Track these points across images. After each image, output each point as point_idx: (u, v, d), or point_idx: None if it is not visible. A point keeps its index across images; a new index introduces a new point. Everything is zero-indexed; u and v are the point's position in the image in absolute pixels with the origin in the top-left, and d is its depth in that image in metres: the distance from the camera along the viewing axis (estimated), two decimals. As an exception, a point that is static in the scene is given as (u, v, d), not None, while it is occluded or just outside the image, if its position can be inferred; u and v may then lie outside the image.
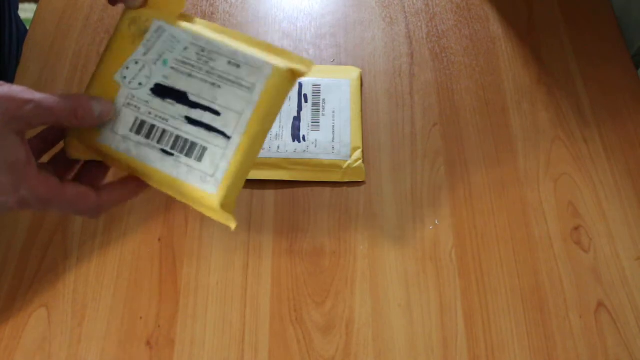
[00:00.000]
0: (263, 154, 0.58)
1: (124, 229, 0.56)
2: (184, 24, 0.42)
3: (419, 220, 0.56)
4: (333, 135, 0.59)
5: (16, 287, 0.53)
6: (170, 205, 0.57)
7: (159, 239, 0.55)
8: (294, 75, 0.41)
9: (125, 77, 0.41)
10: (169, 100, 0.40)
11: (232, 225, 0.40)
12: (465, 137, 0.61)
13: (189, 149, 0.39)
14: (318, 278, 0.53)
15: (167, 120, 0.40)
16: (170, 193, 0.41)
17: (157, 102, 0.40)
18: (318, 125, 0.60)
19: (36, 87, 0.65)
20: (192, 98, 0.40)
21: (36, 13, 0.70)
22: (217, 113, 0.39)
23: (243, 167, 0.40)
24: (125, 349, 0.50)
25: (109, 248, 0.55)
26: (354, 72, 0.64)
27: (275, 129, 0.59)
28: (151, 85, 0.40)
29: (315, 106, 0.61)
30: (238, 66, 0.40)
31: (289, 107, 0.61)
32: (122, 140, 0.40)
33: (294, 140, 0.59)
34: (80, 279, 0.53)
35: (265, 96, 0.39)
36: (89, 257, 0.54)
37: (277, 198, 0.57)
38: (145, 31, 0.42)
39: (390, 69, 0.66)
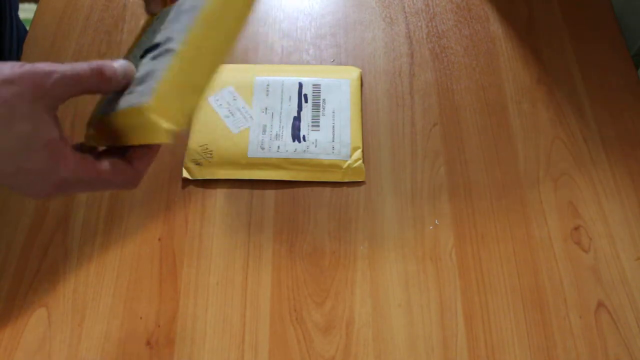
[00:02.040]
0: (263, 153, 0.58)
1: (124, 229, 0.56)
2: None
3: (419, 220, 0.56)
4: (333, 135, 0.59)
5: (16, 287, 0.53)
6: (171, 205, 0.57)
7: (159, 239, 0.55)
8: None
9: (131, 54, 0.42)
10: (148, 56, 0.39)
11: (168, 135, 0.35)
12: (465, 137, 0.61)
13: (141, 79, 0.38)
14: (318, 278, 0.53)
15: (139, 71, 0.38)
16: (127, 132, 0.37)
17: (141, 61, 0.39)
18: (318, 125, 0.60)
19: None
20: (153, 38, 0.39)
21: (36, 13, 0.70)
22: (161, 31, 0.38)
23: (186, 75, 0.36)
24: (125, 349, 0.50)
25: (109, 248, 0.55)
26: (354, 72, 0.64)
27: (275, 128, 0.59)
28: (141, 52, 0.40)
29: (315, 106, 0.61)
30: None
31: (289, 106, 0.61)
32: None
33: (294, 140, 0.59)
34: (80, 279, 0.53)
35: (210, 3, 0.37)
36: (89, 257, 0.54)
37: (277, 198, 0.57)
38: (159, 22, 0.42)
39: (390, 69, 0.66)
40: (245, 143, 0.58)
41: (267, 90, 0.62)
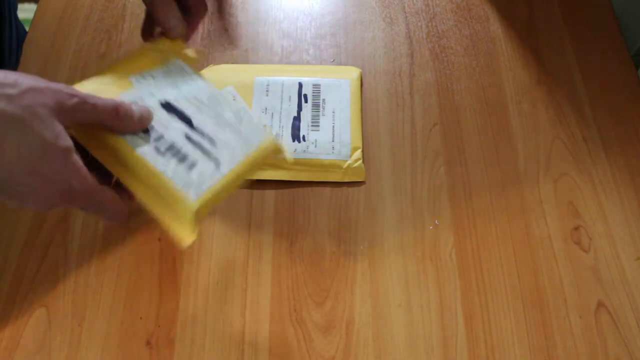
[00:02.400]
0: None
1: (124, 229, 0.56)
2: (199, 73, 0.48)
3: (418, 220, 0.56)
4: (333, 135, 0.59)
5: (16, 287, 0.53)
6: (170, 205, 0.57)
7: (159, 239, 0.55)
8: (276, 149, 0.48)
9: (139, 82, 0.45)
10: (173, 116, 0.44)
11: (192, 238, 0.41)
12: (465, 137, 0.61)
13: (181, 157, 0.42)
14: (318, 278, 0.53)
15: (167, 128, 0.43)
16: (143, 191, 0.42)
17: (162, 112, 0.44)
18: (318, 125, 0.60)
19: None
20: (196, 123, 0.44)
21: (36, 13, 0.70)
22: (214, 144, 0.44)
23: (219, 194, 0.43)
24: (125, 349, 0.50)
25: (109, 248, 0.55)
26: (354, 72, 0.64)
27: (275, 129, 0.59)
28: (161, 99, 0.44)
29: (315, 106, 0.61)
30: (241, 120, 0.46)
31: (289, 107, 0.61)
32: None
33: (293, 140, 0.59)
34: (80, 279, 0.53)
35: (256, 152, 0.46)
36: (89, 257, 0.54)
37: (277, 198, 0.57)
38: (166, 61, 0.47)
39: (390, 69, 0.66)
40: None
41: (267, 90, 0.62)
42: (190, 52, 0.50)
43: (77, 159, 0.38)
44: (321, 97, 0.61)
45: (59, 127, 0.37)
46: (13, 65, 0.69)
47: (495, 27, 0.69)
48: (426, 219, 0.56)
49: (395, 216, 0.56)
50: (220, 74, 0.63)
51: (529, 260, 0.54)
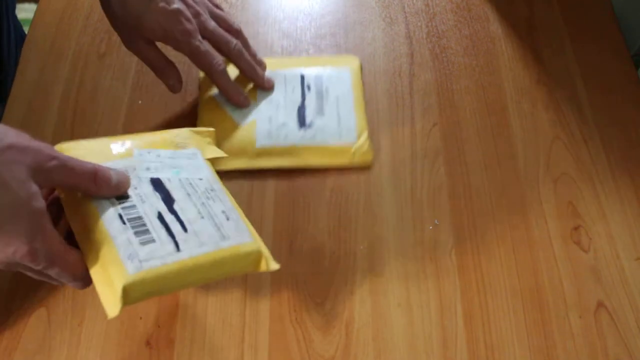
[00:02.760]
0: (271, 142, 0.58)
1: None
2: (212, 168, 0.48)
3: (418, 220, 0.56)
4: (339, 121, 0.60)
5: (16, 287, 0.53)
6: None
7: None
8: (259, 260, 0.44)
9: (141, 155, 0.45)
10: (157, 194, 0.43)
11: (114, 313, 0.39)
12: (465, 137, 0.61)
13: (141, 231, 0.41)
14: (318, 278, 0.53)
15: (143, 203, 0.42)
16: (91, 248, 0.41)
17: (148, 186, 0.43)
18: (323, 113, 0.60)
19: (36, 88, 0.65)
20: (176, 207, 0.43)
21: (36, 13, 0.70)
22: (185, 230, 0.42)
23: (167, 279, 0.40)
24: (125, 349, 0.50)
25: (108, 248, 0.55)
26: (354, 61, 0.65)
27: (281, 118, 0.59)
28: (153, 175, 0.44)
29: (319, 94, 0.61)
30: (228, 219, 0.44)
31: (293, 97, 0.61)
32: None
33: (300, 128, 0.59)
34: (80, 279, 0.53)
35: (229, 251, 0.43)
36: (89, 257, 0.54)
37: (277, 198, 0.57)
38: (181, 146, 0.48)
39: (390, 69, 0.66)
40: (253, 134, 0.58)
41: None
42: (213, 150, 0.51)
43: (47, 221, 0.38)
44: (324, 86, 0.62)
45: (35, 188, 0.37)
46: (12, 66, 0.69)
47: (495, 27, 0.69)
48: (426, 219, 0.56)
49: (395, 216, 0.56)
50: None
51: (528, 260, 0.54)
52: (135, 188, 0.43)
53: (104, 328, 0.51)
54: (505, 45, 0.67)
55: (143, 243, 0.40)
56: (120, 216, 0.41)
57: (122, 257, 0.39)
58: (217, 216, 0.44)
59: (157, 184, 0.44)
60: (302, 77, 0.62)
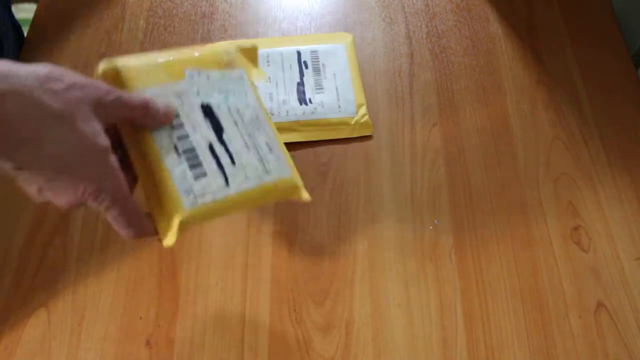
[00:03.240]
0: (273, 119, 0.60)
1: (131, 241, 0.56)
2: (256, 92, 0.48)
3: (418, 220, 0.56)
4: (337, 95, 0.62)
5: (16, 287, 0.53)
6: (170, 205, 0.57)
7: (159, 239, 0.55)
8: (295, 192, 0.47)
9: (192, 78, 0.45)
10: (207, 122, 0.44)
11: (171, 243, 0.41)
12: (465, 137, 0.61)
13: (194, 163, 0.43)
14: (318, 278, 0.53)
15: (195, 131, 0.43)
16: (149, 177, 0.43)
17: (199, 114, 0.44)
18: (322, 88, 0.62)
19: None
20: (225, 137, 0.44)
21: (36, 13, 0.70)
22: (233, 163, 0.44)
23: (217, 211, 0.43)
24: (124, 349, 0.50)
25: (108, 248, 0.55)
26: (347, 37, 0.67)
27: (281, 95, 0.62)
28: (204, 101, 0.45)
29: (316, 71, 0.63)
30: (270, 150, 0.46)
31: (291, 74, 0.63)
32: None
33: (301, 104, 0.61)
34: (80, 279, 0.53)
35: (271, 185, 0.45)
36: (89, 257, 0.54)
37: (276, 198, 0.57)
38: (230, 67, 0.47)
39: (390, 69, 0.66)
40: None
41: (268, 61, 0.64)
42: (257, 72, 0.50)
43: (113, 159, 0.38)
44: (320, 63, 0.64)
45: (98, 126, 0.37)
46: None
47: (495, 27, 0.69)
48: (426, 219, 0.56)
49: (395, 216, 0.56)
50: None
51: (528, 260, 0.54)
52: (187, 115, 0.43)
53: (104, 328, 0.51)
54: (505, 45, 0.67)
55: (197, 177, 0.42)
56: (176, 147, 0.42)
57: (179, 192, 0.42)
58: (261, 148, 0.45)
59: (207, 111, 0.45)
60: (299, 54, 0.64)
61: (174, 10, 0.70)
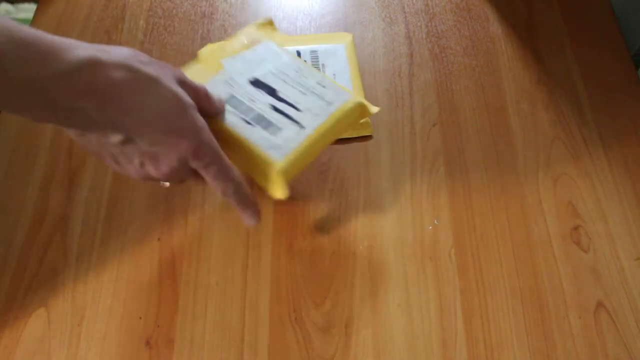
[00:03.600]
0: None
1: (124, 228, 0.56)
2: (288, 51, 0.55)
3: (418, 220, 0.56)
4: None
5: (16, 287, 0.53)
6: (170, 205, 0.57)
7: (159, 239, 0.55)
8: (362, 110, 0.53)
9: (230, 64, 0.52)
10: (260, 91, 0.51)
11: (284, 194, 0.48)
12: (465, 137, 0.61)
13: (267, 125, 0.49)
14: (318, 278, 0.53)
15: (254, 102, 0.50)
16: (235, 156, 0.48)
17: (250, 88, 0.51)
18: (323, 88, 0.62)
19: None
20: (281, 95, 0.51)
21: (36, 13, 0.70)
22: (298, 110, 0.50)
23: (305, 153, 0.49)
24: (124, 349, 0.50)
25: (108, 248, 0.55)
26: (347, 37, 0.66)
27: None
28: (249, 77, 0.52)
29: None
30: (324, 87, 0.52)
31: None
32: None
33: None
34: (79, 279, 0.53)
35: (339, 111, 0.51)
36: (89, 257, 0.54)
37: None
38: (257, 44, 0.54)
39: (390, 69, 0.66)
40: None
41: None
42: (281, 36, 0.58)
43: (199, 114, 0.42)
44: (320, 62, 0.64)
45: (181, 89, 0.41)
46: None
47: (494, 27, 0.69)
48: (426, 219, 0.56)
49: (395, 216, 0.56)
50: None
51: (528, 260, 0.54)
52: (242, 94, 0.50)
53: (103, 328, 0.51)
54: (505, 45, 0.67)
55: (274, 134, 0.48)
56: (245, 120, 0.49)
57: (266, 150, 0.48)
58: (315, 88, 0.52)
59: (256, 83, 0.51)
60: (299, 54, 0.64)
61: (174, 10, 0.70)
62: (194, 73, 0.50)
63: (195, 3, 0.71)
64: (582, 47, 0.67)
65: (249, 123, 0.49)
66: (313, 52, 0.64)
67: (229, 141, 0.48)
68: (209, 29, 0.69)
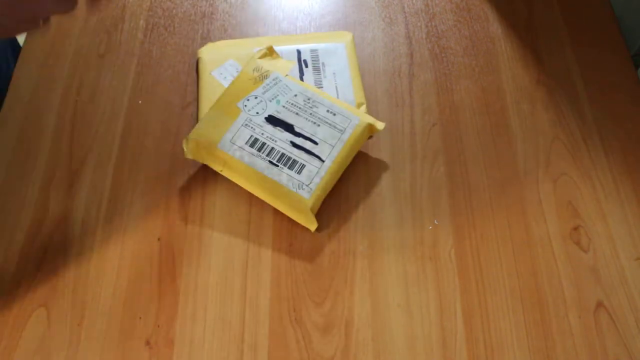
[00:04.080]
0: None
1: (124, 228, 0.56)
2: (294, 79, 0.58)
3: (418, 220, 0.56)
4: (337, 94, 0.62)
5: (16, 287, 0.53)
6: (170, 205, 0.57)
7: (159, 239, 0.55)
8: (371, 129, 0.57)
9: (245, 106, 0.56)
10: (278, 128, 0.55)
11: (314, 226, 0.54)
12: (465, 137, 0.61)
13: (291, 164, 0.54)
14: (317, 278, 0.53)
15: (275, 142, 0.54)
16: (266, 195, 0.54)
17: (269, 127, 0.55)
18: (322, 87, 0.62)
19: (34, 89, 0.65)
20: (297, 129, 0.55)
21: (36, 13, 0.70)
22: (315, 143, 0.55)
23: (328, 184, 0.54)
24: (124, 349, 0.50)
25: (108, 248, 0.55)
26: (347, 36, 0.66)
27: None
28: (266, 115, 0.56)
29: (316, 70, 0.63)
30: (334, 114, 0.56)
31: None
32: (238, 150, 0.54)
33: None
34: (79, 279, 0.53)
35: (352, 137, 0.56)
36: (89, 257, 0.54)
37: (276, 198, 0.57)
38: (265, 78, 0.57)
39: (390, 69, 0.66)
40: None
41: None
42: (283, 64, 0.60)
43: None
44: (320, 61, 0.64)
45: None
46: (12, 65, 0.69)
47: (494, 27, 0.69)
48: (426, 219, 0.56)
49: (395, 216, 0.56)
50: (220, 50, 0.64)
51: (528, 260, 0.54)
52: (262, 134, 0.54)
53: (103, 328, 0.51)
54: (505, 45, 0.67)
55: (299, 172, 0.53)
56: (271, 162, 0.54)
57: (295, 190, 0.53)
58: (327, 118, 0.56)
59: (272, 121, 0.55)
60: (299, 53, 0.64)
61: (174, 10, 0.70)
62: (215, 119, 0.55)
63: (195, 3, 0.71)
64: (582, 47, 0.67)
65: (274, 164, 0.53)
66: (313, 51, 0.64)
67: (258, 182, 0.54)
68: (209, 28, 0.69)
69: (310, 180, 0.53)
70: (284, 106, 0.56)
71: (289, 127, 0.55)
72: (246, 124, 0.55)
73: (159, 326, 0.51)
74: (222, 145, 0.54)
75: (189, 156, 0.56)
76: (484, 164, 0.59)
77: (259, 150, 0.54)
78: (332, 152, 0.54)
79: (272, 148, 0.54)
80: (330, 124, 0.55)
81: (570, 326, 0.51)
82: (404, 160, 0.59)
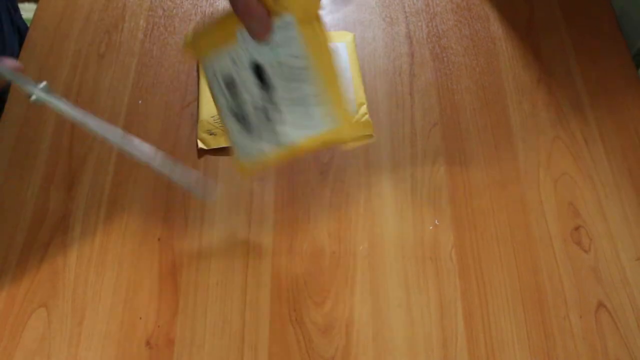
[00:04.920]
0: None
1: (124, 228, 0.56)
2: (309, 35, 0.44)
3: (418, 220, 0.56)
4: None
5: (16, 287, 0.53)
6: (170, 205, 0.57)
7: (159, 239, 0.55)
8: (340, 139, 0.47)
9: (243, 37, 0.44)
10: (258, 83, 0.46)
11: (242, 173, 0.49)
12: (465, 137, 0.61)
13: (249, 130, 0.47)
14: (318, 278, 0.53)
15: (247, 95, 0.46)
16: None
17: (250, 76, 0.46)
18: None
19: (36, 87, 0.65)
20: (275, 99, 0.46)
21: (36, 13, 0.70)
22: (283, 120, 0.46)
23: (270, 162, 0.47)
24: (124, 349, 0.50)
25: (108, 248, 0.55)
26: (348, 36, 0.66)
27: None
28: (254, 60, 0.45)
29: None
30: (319, 104, 0.46)
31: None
32: (215, 74, 0.47)
33: None
34: (80, 279, 0.53)
35: (320, 137, 0.47)
36: (89, 257, 0.54)
37: (277, 198, 0.57)
38: (278, 14, 0.43)
39: (390, 69, 0.65)
40: None
41: None
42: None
43: None
44: None
45: None
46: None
47: (495, 27, 0.69)
48: (426, 219, 0.56)
49: (395, 216, 0.56)
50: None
51: (528, 260, 0.54)
52: (239, 81, 0.46)
53: (104, 328, 0.51)
54: (506, 45, 0.67)
55: (251, 140, 0.47)
56: (232, 110, 0.47)
57: (237, 148, 0.48)
58: (309, 100, 0.46)
59: (257, 70, 0.45)
60: None
61: (174, 10, 0.70)
62: (208, 37, 0.46)
63: (196, 3, 0.71)
64: (582, 47, 0.67)
65: (234, 115, 0.47)
66: None
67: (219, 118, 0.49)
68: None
69: (256, 153, 0.47)
70: (278, 62, 0.45)
71: (268, 89, 0.46)
72: (232, 58, 0.46)
73: (159, 326, 0.51)
74: (209, 59, 0.47)
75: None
76: (485, 164, 0.59)
77: (230, 91, 0.47)
78: (294, 136, 0.47)
79: (243, 101, 0.47)
80: (309, 112, 0.47)
81: (571, 326, 0.51)
82: (405, 160, 0.59)
